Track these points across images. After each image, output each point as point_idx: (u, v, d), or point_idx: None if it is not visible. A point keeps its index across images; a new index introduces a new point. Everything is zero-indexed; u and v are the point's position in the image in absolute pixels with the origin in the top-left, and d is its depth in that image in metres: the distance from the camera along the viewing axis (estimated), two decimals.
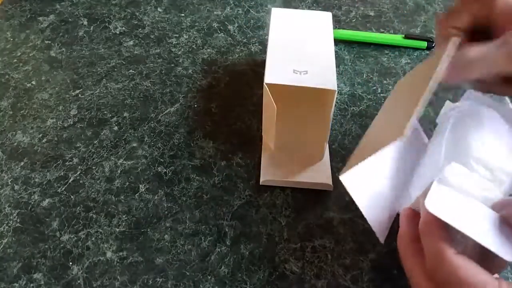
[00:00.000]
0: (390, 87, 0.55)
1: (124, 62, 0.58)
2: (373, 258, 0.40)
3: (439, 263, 0.30)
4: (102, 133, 0.50)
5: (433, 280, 0.31)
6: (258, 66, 0.57)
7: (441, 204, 0.30)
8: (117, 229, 0.42)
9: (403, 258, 0.34)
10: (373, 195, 0.37)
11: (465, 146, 0.34)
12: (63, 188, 0.45)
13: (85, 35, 0.61)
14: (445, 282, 0.30)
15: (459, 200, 0.31)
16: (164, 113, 0.52)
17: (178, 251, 0.40)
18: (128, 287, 0.38)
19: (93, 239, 0.41)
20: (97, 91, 0.54)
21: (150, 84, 0.55)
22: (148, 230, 0.42)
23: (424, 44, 0.60)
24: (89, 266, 0.39)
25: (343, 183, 0.35)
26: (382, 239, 0.37)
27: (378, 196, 0.38)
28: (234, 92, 0.54)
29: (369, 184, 0.37)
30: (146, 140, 0.49)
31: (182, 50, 0.60)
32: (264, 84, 0.42)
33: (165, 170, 0.46)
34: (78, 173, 0.46)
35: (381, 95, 0.54)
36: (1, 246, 0.41)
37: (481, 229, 0.30)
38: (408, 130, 0.30)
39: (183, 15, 0.65)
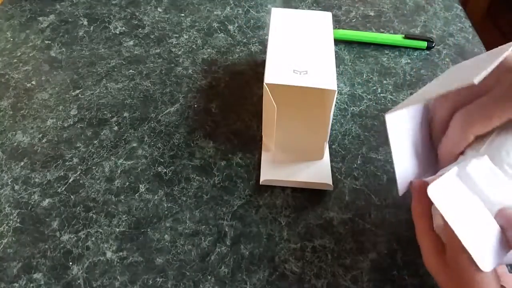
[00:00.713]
0: (390, 87, 0.55)
1: (124, 62, 0.58)
2: (373, 258, 0.40)
3: (456, 253, 0.30)
4: (102, 133, 0.50)
5: (443, 260, 0.31)
6: (258, 66, 0.57)
7: (444, 194, 0.30)
8: (117, 229, 0.42)
9: (416, 230, 0.34)
10: (407, 146, 0.37)
11: (503, 148, 0.33)
12: (63, 188, 0.45)
13: (85, 35, 0.61)
14: (456, 271, 0.30)
15: (464, 197, 0.31)
16: (164, 113, 0.52)
17: (178, 251, 0.40)
18: (128, 287, 0.38)
19: (93, 239, 0.41)
20: (97, 91, 0.54)
21: (150, 84, 0.55)
22: (148, 230, 0.42)
23: (424, 44, 0.60)
24: (89, 266, 0.39)
25: (386, 121, 0.34)
26: (401, 193, 0.36)
27: (411, 149, 0.37)
28: (234, 92, 0.54)
29: (406, 134, 0.37)
30: (146, 140, 0.49)
31: (182, 50, 0.60)
32: (264, 84, 0.42)
33: (165, 170, 0.46)
34: (78, 173, 0.46)
35: (381, 95, 0.54)
36: (1, 246, 0.41)
37: (471, 231, 0.30)
38: (481, 77, 0.28)
39: (183, 15, 0.65)
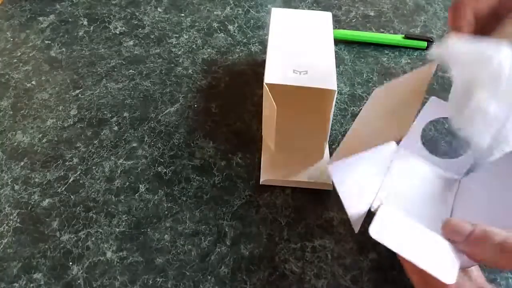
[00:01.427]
0: None
1: (124, 62, 0.58)
2: (373, 258, 0.40)
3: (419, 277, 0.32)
4: (102, 133, 0.50)
5: None
6: (258, 66, 0.57)
7: (384, 230, 0.32)
8: (117, 229, 0.42)
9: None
10: (356, 186, 0.37)
11: None
12: (63, 188, 0.45)
13: (85, 35, 0.61)
14: None
15: (402, 224, 0.33)
16: (164, 113, 0.52)
17: (178, 251, 0.40)
18: (128, 287, 0.38)
19: (93, 239, 0.41)
20: (97, 91, 0.54)
21: (150, 84, 0.55)
22: (148, 230, 0.42)
23: (424, 44, 0.60)
24: (89, 266, 0.39)
25: (330, 172, 0.34)
26: (356, 229, 0.37)
27: (360, 187, 0.37)
28: (234, 92, 0.54)
29: (354, 175, 0.37)
30: (146, 140, 0.49)
31: (182, 50, 0.60)
32: (264, 84, 0.42)
33: (165, 170, 0.46)
34: (78, 173, 0.46)
35: None
36: (1, 246, 0.41)
37: (422, 252, 0.30)
38: (405, 133, 0.31)
39: (183, 15, 0.65)
